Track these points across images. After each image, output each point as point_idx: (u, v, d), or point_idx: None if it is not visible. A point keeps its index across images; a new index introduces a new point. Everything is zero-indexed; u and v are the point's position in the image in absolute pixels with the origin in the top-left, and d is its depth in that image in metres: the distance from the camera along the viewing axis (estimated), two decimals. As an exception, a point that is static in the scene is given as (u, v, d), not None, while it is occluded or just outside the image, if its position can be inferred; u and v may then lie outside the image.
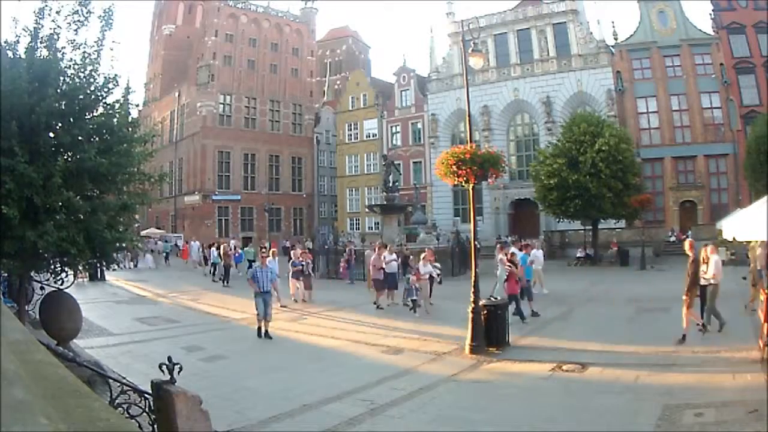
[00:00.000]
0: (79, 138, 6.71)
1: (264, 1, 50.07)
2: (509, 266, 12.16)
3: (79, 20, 6.93)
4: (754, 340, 8.58)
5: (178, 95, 48.72)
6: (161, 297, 18.06)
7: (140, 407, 4.39)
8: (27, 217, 6.25)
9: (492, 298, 10.70)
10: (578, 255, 27.78)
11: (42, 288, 8.21)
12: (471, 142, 10.81)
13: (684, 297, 9.53)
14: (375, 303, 14.76)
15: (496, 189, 39.17)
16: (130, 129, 7.65)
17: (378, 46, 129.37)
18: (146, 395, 4.35)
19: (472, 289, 9.67)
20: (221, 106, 46.68)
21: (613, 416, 6.06)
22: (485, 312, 9.59)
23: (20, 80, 6.12)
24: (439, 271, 15.64)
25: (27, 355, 1.82)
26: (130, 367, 8.21)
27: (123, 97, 7.73)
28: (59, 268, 7.44)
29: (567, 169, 25.92)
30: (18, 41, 6.75)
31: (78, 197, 6.58)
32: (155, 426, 4.14)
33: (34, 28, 6.71)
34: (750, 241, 11.16)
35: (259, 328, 11.38)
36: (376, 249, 16.40)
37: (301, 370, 8.66)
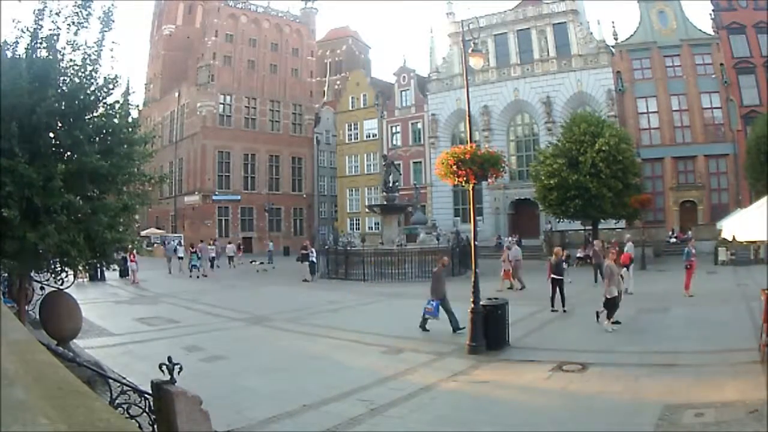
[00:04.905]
0: (80, 138, 6.71)
1: (264, 1, 50.15)
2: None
3: (78, 21, 6.92)
4: (754, 340, 8.58)
5: (178, 95, 48.71)
6: (161, 297, 18.06)
7: (140, 407, 4.39)
8: (27, 218, 6.24)
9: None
10: (578, 255, 27.73)
11: (42, 288, 8.21)
12: (471, 142, 10.81)
13: None
14: None
15: (496, 189, 39.16)
16: (130, 130, 7.64)
17: (378, 46, 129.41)
18: (146, 395, 4.35)
19: (472, 290, 9.67)
20: (221, 106, 46.69)
21: (613, 416, 6.06)
22: (485, 312, 9.60)
23: (20, 80, 6.12)
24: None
25: (27, 355, 1.82)
26: (130, 367, 8.21)
27: (123, 97, 7.72)
28: (59, 268, 7.44)
29: (567, 169, 25.92)
30: (18, 42, 6.74)
31: (78, 198, 6.57)
32: (155, 426, 4.14)
33: (34, 28, 6.70)
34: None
35: None
36: None
37: (301, 370, 8.65)
